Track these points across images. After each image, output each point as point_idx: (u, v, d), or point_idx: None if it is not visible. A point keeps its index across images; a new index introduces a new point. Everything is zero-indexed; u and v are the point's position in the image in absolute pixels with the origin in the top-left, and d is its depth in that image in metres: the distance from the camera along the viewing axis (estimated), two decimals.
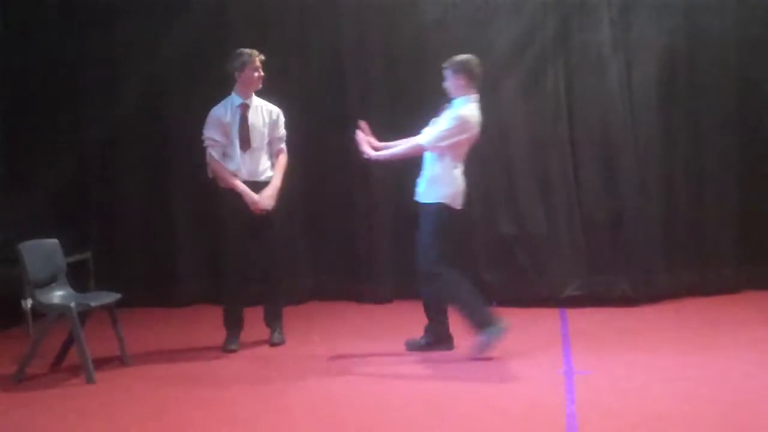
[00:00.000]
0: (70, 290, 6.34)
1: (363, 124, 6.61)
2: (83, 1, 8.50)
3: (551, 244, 7.96)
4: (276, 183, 6.75)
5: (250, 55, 6.64)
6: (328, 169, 8.44)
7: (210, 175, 6.74)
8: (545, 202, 7.98)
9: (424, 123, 8.10)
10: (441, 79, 8.06)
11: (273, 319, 6.93)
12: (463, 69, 6.31)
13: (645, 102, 7.93)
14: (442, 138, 6.23)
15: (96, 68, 8.54)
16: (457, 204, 6.34)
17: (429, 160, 6.39)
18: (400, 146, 6.50)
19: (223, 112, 6.68)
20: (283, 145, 6.89)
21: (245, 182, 6.63)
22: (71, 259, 6.99)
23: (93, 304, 6.17)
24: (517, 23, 8.02)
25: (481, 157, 8.08)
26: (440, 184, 6.28)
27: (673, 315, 7.50)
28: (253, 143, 6.69)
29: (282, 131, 6.87)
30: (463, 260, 6.75)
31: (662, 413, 4.95)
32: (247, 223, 6.63)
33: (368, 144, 6.55)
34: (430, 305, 6.52)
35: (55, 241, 6.39)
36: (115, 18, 8.48)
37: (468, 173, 8.05)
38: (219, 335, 6.81)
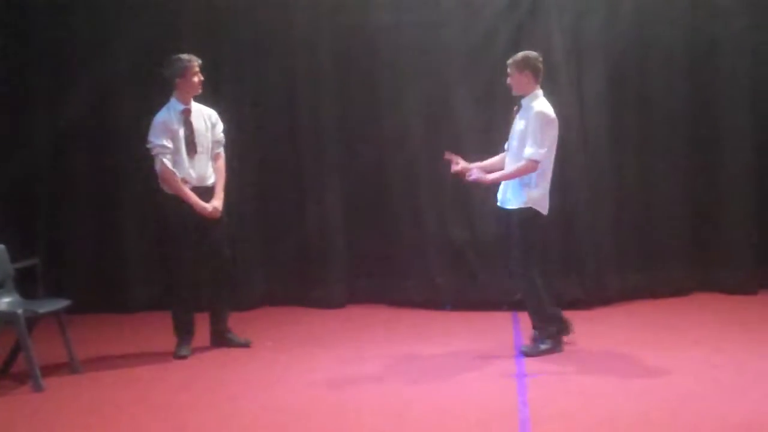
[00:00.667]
0: (18, 297, 6.23)
1: (450, 155, 6.57)
2: (32, 1, 8.37)
3: (503, 248, 7.98)
4: (221, 191, 6.72)
5: (189, 60, 6.59)
6: (280, 173, 8.39)
7: (160, 183, 6.64)
8: (497, 207, 7.99)
9: (376, 125, 8.18)
10: (392, 81, 8.17)
11: (225, 322, 6.88)
12: (529, 65, 6.30)
13: (596, 107, 8.00)
14: (543, 142, 6.16)
15: (45, 70, 8.41)
16: (544, 209, 6.33)
17: (514, 165, 6.32)
18: (511, 168, 6.29)
19: (168, 117, 6.60)
20: (222, 149, 6.84)
21: (194, 188, 6.59)
22: (19, 265, 6.86)
23: (41, 310, 6.06)
24: (470, 30, 8.03)
25: (434, 162, 8.13)
26: (529, 187, 6.25)
27: (625, 317, 7.57)
28: (198, 148, 6.63)
29: (221, 134, 6.84)
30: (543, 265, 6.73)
31: (614, 414, 5.00)
32: (193, 228, 6.58)
33: (476, 169, 6.45)
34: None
35: (1, 246, 6.28)
36: (65, 19, 8.35)
37: (421, 178, 8.14)
38: (170, 341, 6.73)
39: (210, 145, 6.72)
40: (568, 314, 7.42)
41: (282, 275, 8.48)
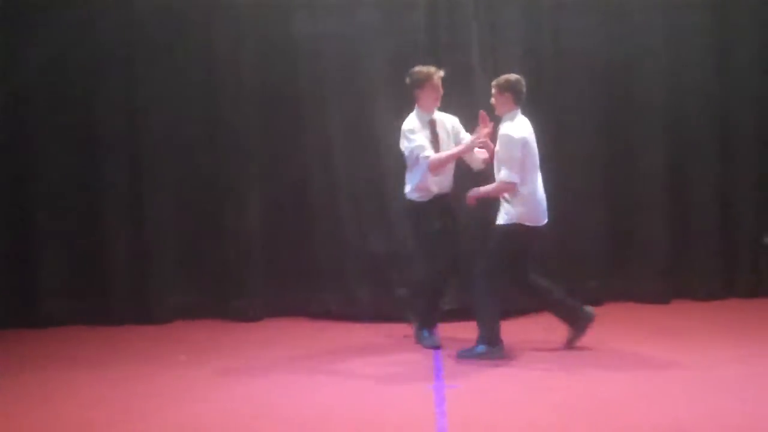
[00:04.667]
0: None
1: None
2: None
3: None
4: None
5: (428, 72, 6.76)
6: (197, 185, 8.27)
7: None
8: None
9: (297, 137, 8.12)
10: (314, 93, 8.13)
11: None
12: (510, 88, 6.48)
13: None
14: (512, 166, 6.35)
15: None
16: (532, 221, 6.49)
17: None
18: (489, 187, 6.53)
19: (417, 125, 6.78)
20: None
21: (435, 195, 6.83)
22: None
23: None
24: (389, 42, 8.05)
25: (354, 175, 8.12)
26: (509, 204, 6.42)
27: (539, 328, 7.62)
28: None
29: (464, 133, 6.97)
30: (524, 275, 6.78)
31: (531, 424, 5.04)
32: (443, 226, 6.89)
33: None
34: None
35: None
36: None
37: (341, 190, 8.11)
38: (86, 355, 6.60)
39: None
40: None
41: (199, 288, 8.35)
